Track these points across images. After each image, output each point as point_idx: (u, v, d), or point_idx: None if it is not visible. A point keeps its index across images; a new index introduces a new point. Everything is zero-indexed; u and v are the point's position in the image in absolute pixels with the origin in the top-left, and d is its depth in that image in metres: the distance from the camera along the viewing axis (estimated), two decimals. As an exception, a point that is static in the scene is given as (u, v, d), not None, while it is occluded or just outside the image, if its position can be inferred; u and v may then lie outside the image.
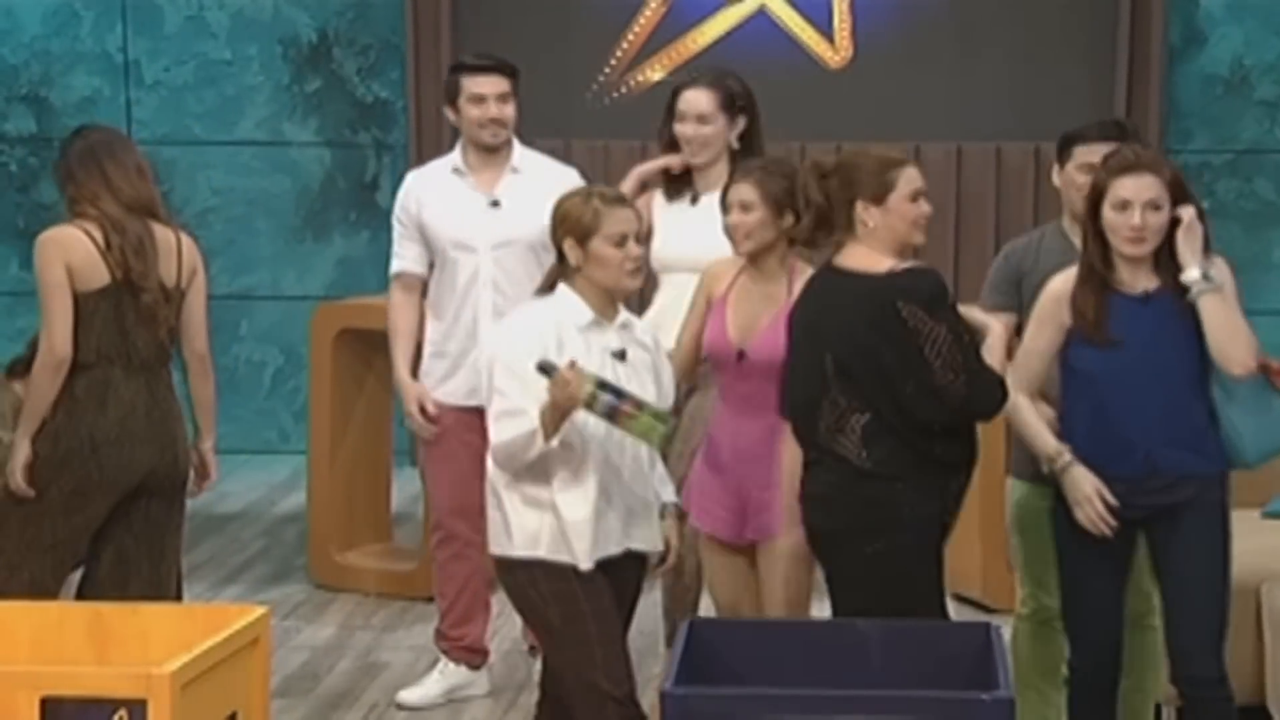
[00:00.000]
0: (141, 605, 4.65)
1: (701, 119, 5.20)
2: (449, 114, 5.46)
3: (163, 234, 4.97)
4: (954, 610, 6.41)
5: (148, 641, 4.07)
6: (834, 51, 8.45)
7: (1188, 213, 4.27)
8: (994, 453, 6.47)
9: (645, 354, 4.35)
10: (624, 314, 4.33)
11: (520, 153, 5.45)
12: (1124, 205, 4.25)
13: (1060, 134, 4.80)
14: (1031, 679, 4.72)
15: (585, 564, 4.20)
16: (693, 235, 5.08)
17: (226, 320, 8.75)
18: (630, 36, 8.48)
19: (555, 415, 4.11)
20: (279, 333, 8.74)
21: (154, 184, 5.03)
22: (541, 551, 4.20)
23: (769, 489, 4.54)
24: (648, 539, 4.34)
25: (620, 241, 4.22)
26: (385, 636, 6.23)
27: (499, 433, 4.22)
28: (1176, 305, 4.26)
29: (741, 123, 5.25)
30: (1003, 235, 8.45)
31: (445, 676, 5.60)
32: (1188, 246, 4.25)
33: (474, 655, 5.66)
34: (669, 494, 4.45)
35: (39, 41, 8.67)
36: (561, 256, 4.27)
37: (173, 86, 8.67)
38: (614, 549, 4.25)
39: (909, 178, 4.44)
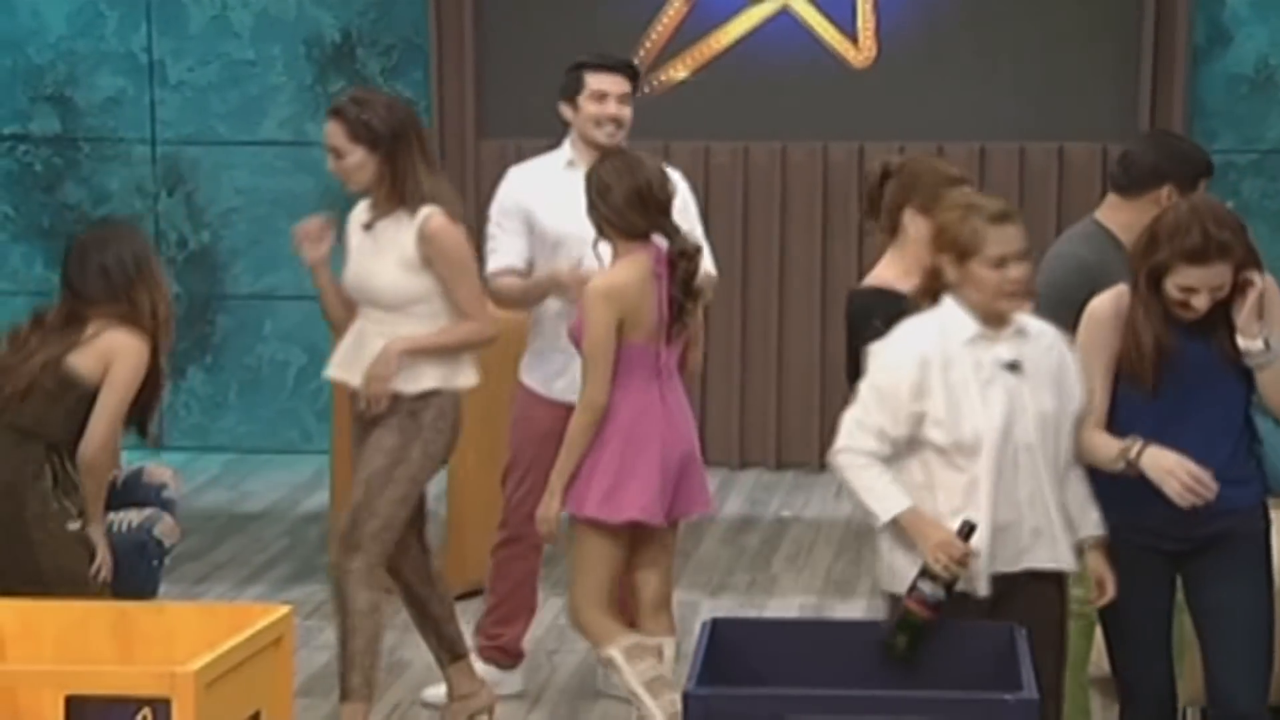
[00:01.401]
0: (166, 604, 4.67)
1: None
2: (564, 109, 5.38)
3: None
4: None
5: (172, 640, 4.08)
6: (857, 51, 8.44)
7: (1260, 283, 4.05)
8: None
9: (1048, 358, 4.09)
10: (1019, 320, 4.10)
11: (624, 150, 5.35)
12: (1188, 291, 4.06)
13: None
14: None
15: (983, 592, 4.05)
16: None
17: (250, 320, 8.77)
18: (653, 36, 8.47)
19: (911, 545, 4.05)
20: (302, 332, 8.75)
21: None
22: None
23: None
24: (1050, 557, 4.09)
25: (999, 263, 4.02)
26: (408, 635, 6.22)
27: (849, 437, 4.15)
28: (1222, 343, 4.10)
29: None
30: (1026, 235, 8.44)
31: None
32: (1252, 317, 4.05)
33: (505, 656, 5.61)
34: (1092, 525, 4.18)
35: (64, 42, 8.69)
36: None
37: (197, 86, 8.69)
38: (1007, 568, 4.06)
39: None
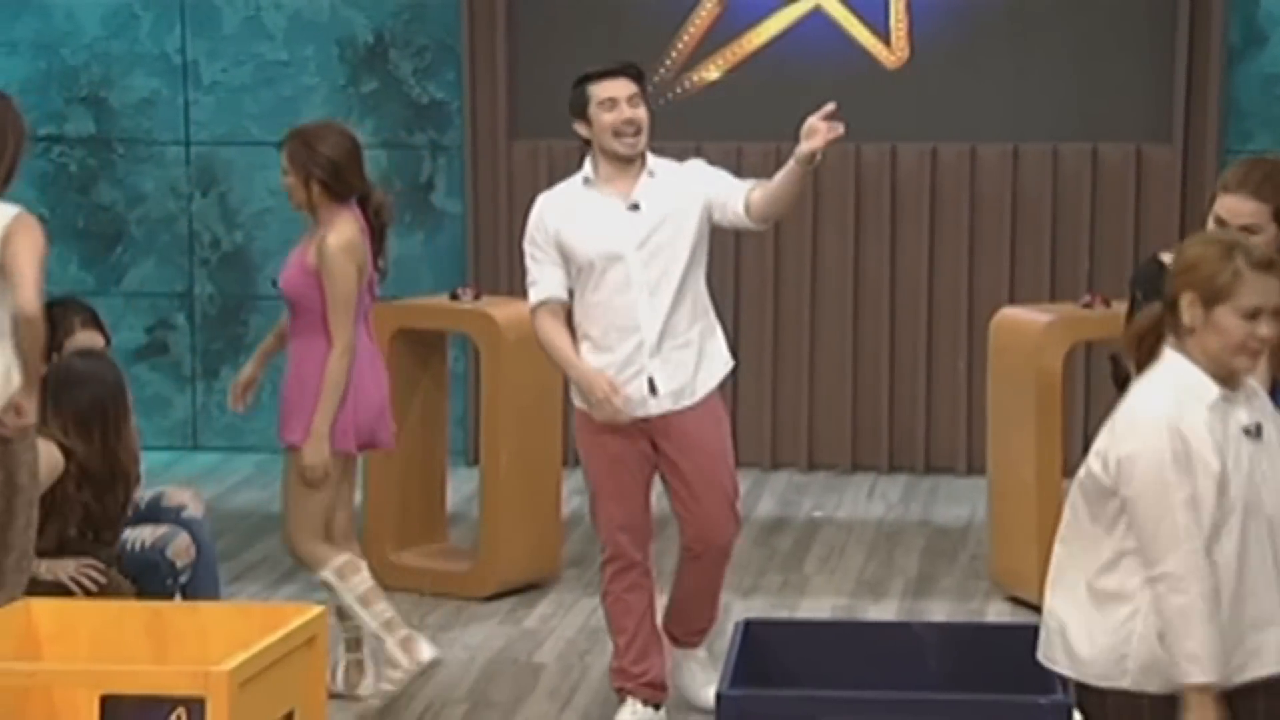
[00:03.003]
0: (200, 604, 4.69)
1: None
2: (579, 129, 5.27)
3: None
4: (1010, 612, 6.40)
5: (206, 640, 4.10)
6: (890, 51, 8.42)
7: None
8: (1050, 454, 6.45)
9: (1275, 425, 3.63)
10: (1252, 379, 3.63)
11: (652, 158, 5.28)
12: (1253, 314, 3.56)
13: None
14: None
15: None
16: None
17: (283, 320, 8.79)
18: (685, 37, 8.47)
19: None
20: (335, 333, 8.76)
21: None
22: (1126, 682, 3.53)
23: (284, 403, 5.53)
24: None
25: (1253, 314, 3.51)
26: (440, 636, 6.24)
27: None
28: None
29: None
30: (1059, 237, 8.42)
31: (638, 717, 5.35)
32: None
33: (656, 691, 5.38)
34: None
35: (99, 43, 8.72)
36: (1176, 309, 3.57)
37: (230, 87, 8.72)
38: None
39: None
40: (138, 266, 8.82)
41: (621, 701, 5.39)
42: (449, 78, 8.62)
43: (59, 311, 5.56)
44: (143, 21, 8.71)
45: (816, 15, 8.39)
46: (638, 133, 5.22)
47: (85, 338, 5.56)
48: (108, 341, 5.65)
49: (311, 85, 8.68)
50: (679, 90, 8.49)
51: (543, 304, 5.28)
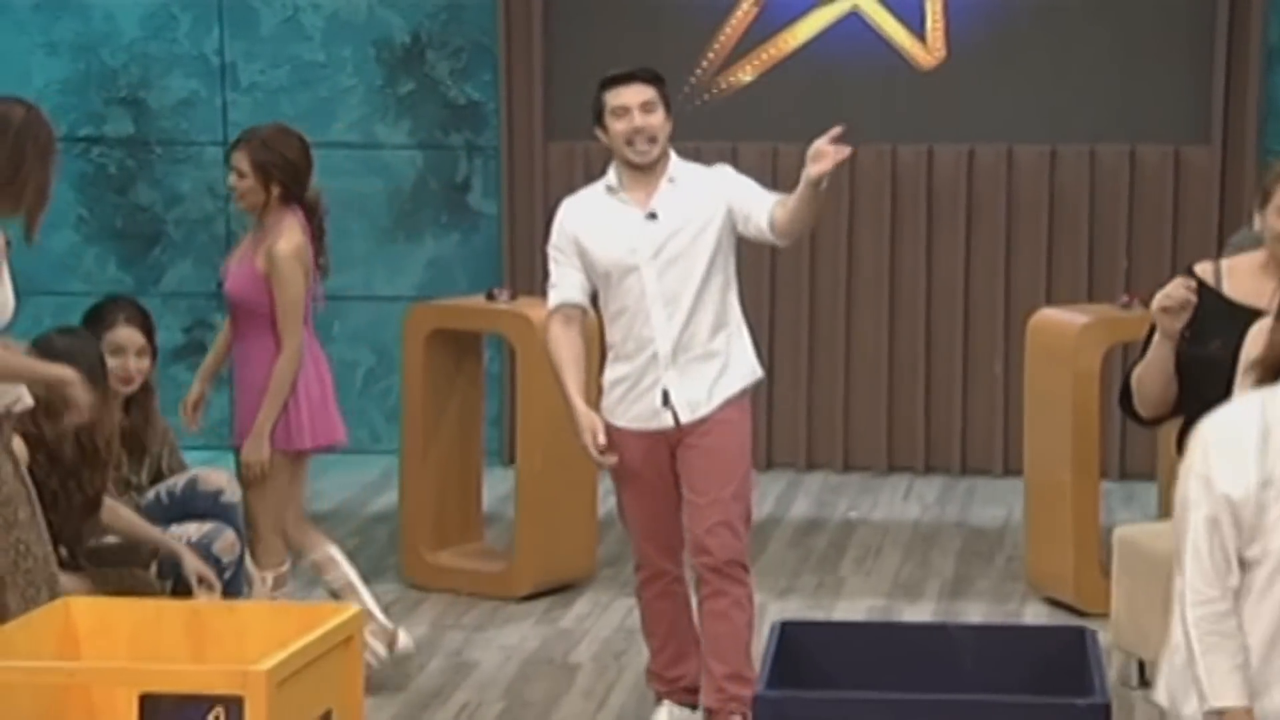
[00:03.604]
0: (238, 603, 4.70)
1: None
2: (600, 136, 5.23)
3: None
4: (1046, 614, 6.38)
5: (243, 639, 4.11)
6: (926, 52, 8.41)
7: None
8: (1087, 455, 6.43)
9: None
10: None
11: (675, 163, 5.21)
12: None
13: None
14: None
15: None
16: None
17: (319, 321, 8.79)
18: (722, 38, 8.47)
19: None
20: (371, 333, 8.79)
21: None
22: None
23: (239, 408, 5.71)
24: None
25: None
26: (476, 636, 6.26)
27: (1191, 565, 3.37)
28: None
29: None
30: (1097, 238, 8.39)
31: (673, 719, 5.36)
32: None
33: (692, 695, 5.33)
34: None
35: (137, 44, 8.76)
36: None
37: (268, 89, 8.75)
38: None
39: None
40: (175, 267, 8.86)
41: (658, 703, 5.39)
42: (485, 78, 8.63)
43: (107, 306, 5.62)
44: (181, 23, 8.75)
45: (853, 16, 8.38)
46: (650, 141, 5.14)
47: (124, 334, 5.57)
48: (151, 342, 5.65)
49: (349, 86, 8.71)
50: (715, 91, 8.49)
51: (558, 308, 5.25)
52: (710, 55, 8.45)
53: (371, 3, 8.67)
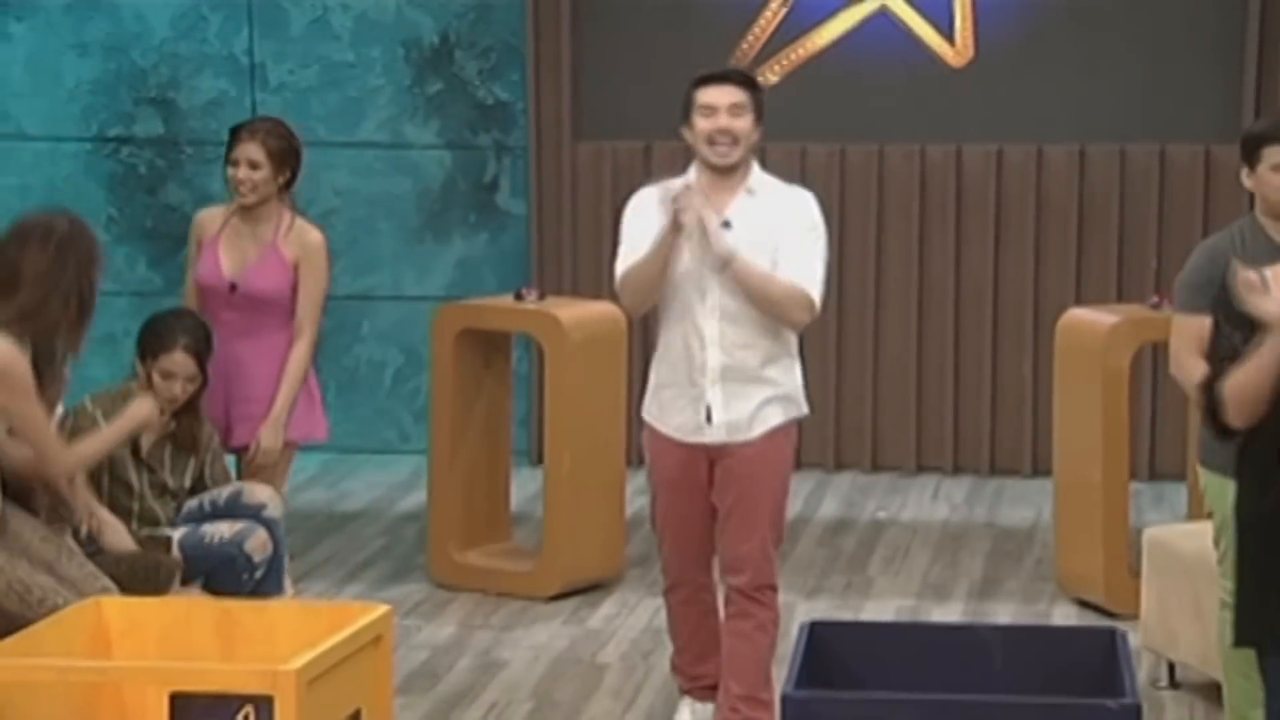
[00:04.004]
0: (269, 603, 4.71)
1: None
2: (685, 134, 5.15)
3: None
4: (1076, 615, 6.37)
5: (273, 638, 4.13)
6: (955, 51, 8.39)
7: None
8: (1117, 455, 6.42)
9: None
10: None
11: (757, 174, 5.14)
12: None
13: (1245, 129, 4.71)
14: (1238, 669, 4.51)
15: None
16: None
17: (348, 320, 8.84)
18: (751, 37, 8.46)
19: None
20: (399, 333, 8.81)
21: None
22: None
23: (250, 403, 5.75)
24: None
25: None
26: (504, 635, 6.27)
27: None
28: None
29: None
30: (1126, 238, 8.36)
31: (696, 716, 5.36)
32: None
33: (714, 693, 5.31)
34: None
35: (167, 44, 8.79)
36: None
37: (297, 89, 8.77)
38: None
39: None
40: (205, 267, 8.87)
41: (680, 697, 5.41)
42: (514, 78, 8.64)
43: (168, 327, 5.56)
44: (211, 23, 8.77)
45: (882, 15, 8.36)
46: (733, 143, 5.05)
47: (179, 361, 5.55)
48: (204, 368, 5.60)
49: (377, 86, 8.73)
50: (743, 91, 8.47)
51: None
52: (739, 55, 8.44)
53: (400, 3, 8.69)
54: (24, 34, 8.79)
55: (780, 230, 5.07)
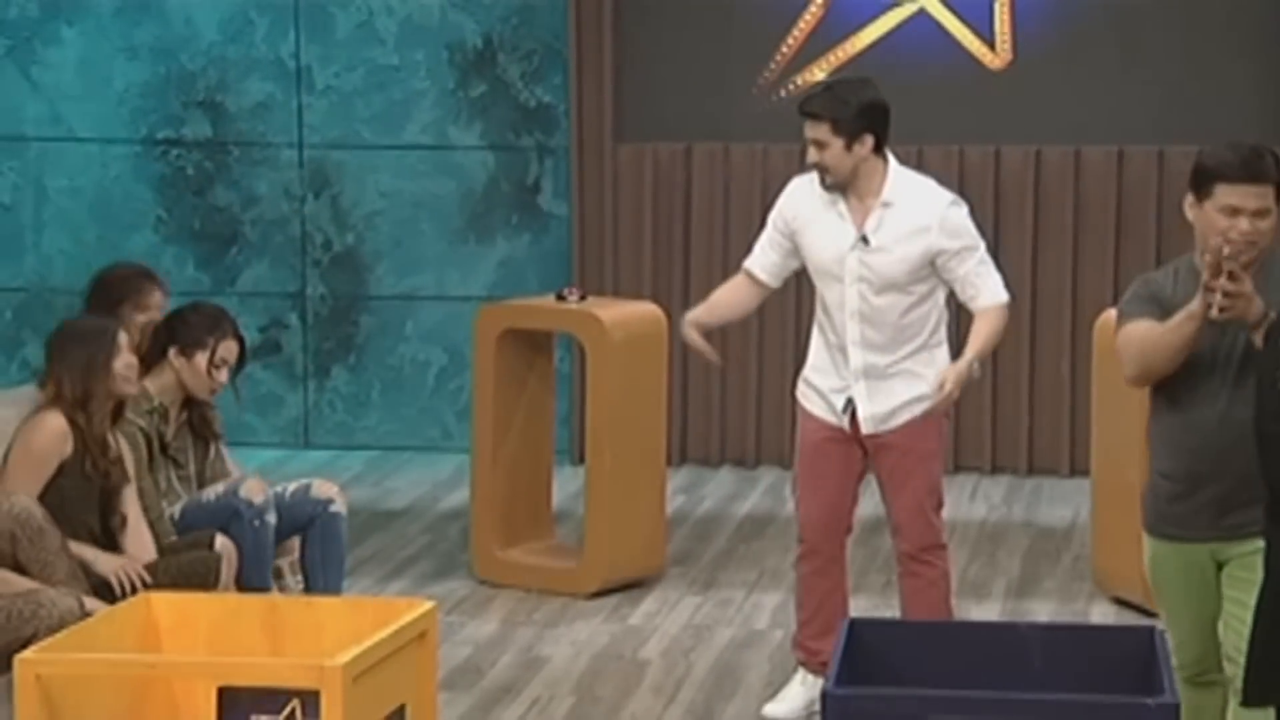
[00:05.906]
0: (315, 598, 4.76)
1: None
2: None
3: None
4: (1114, 614, 6.39)
5: (320, 633, 4.16)
6: (994, 54, 8.41)
7: None
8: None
9: None
10: None
11: (893, 183, 5.28)
12: None
13: (1201, 152, 4.40)
14: None
15: None
16: None
17: (392, 320, 8.91)
18: (790, 39, 8.50)
19: None
20: (443, 333, 8.87)
21: None
22: None
23: None
24: None
25: None
26: (547, 632, 6.31)
27: None
28: None
29: None
30: (1164, 239, 8.35)
31: (807, 688, 5.49)
32: None
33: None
34: None
35: (215, 48, 8.87)
36: None
37: (342, 92, 8.84)
38: None
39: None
40: (252, 267, 8.97)
41: (794, 670, 5.54)
42: (556, 81, 8.69)
43: (224, 313, 5.68)
44: (258, 27, 8.85)
45: (921, 18, 8.39)
46: (825, 172, 5.27)
47: (232, 348, 5.63)
48: (241, 359, 5.72)
49: (421, 89, 8.79)
50: (783, 93, 8.52)
51: (745, 270, 5.49)
52: (779, 57, 8.48)
53: (444, 6, 8.75)
54: (75, 38, 8.89)
55: (929, 248, 5.27)
